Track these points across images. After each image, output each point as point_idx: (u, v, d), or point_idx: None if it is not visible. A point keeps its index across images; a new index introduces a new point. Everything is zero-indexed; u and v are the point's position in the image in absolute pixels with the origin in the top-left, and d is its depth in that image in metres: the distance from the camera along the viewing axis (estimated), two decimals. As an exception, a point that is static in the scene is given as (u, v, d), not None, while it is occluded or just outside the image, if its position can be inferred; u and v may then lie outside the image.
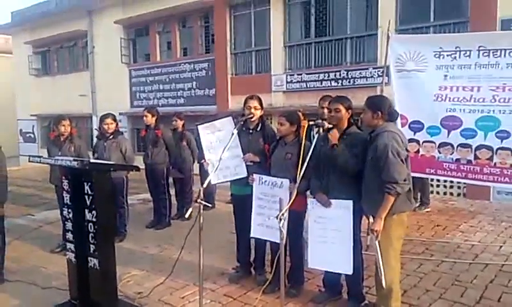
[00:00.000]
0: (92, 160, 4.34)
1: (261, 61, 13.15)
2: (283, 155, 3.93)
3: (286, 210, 3.12)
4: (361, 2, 11.32)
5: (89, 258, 3.71)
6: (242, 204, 4.26)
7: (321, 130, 3.62)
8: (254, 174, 3.90)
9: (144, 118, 6.52)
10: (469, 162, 4.53)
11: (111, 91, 17.04)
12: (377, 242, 3.32)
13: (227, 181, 4.37)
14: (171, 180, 7.05)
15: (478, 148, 4.47)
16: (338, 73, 11.44)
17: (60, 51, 20.07)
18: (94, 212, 3.63)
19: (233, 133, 3.82)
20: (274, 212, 3.69)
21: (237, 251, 4.57)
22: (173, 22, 15.26)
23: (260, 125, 4.25)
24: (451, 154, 4.65)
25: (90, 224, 3.68)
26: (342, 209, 3.45)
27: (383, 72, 10.56)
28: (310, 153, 3.41)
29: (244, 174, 4.14)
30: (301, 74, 12.09)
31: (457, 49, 4.61)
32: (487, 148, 4.42)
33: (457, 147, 4.59)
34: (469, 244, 5.51)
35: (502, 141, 4.33)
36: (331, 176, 3.61)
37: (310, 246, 3.66)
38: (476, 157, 4.48)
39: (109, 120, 5.95)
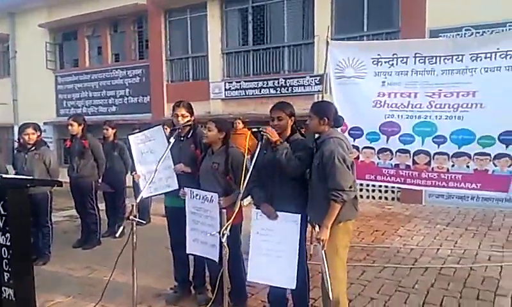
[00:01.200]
0: (5, 176, 3.83)
1: (198, 67, 12.86)
2: (209, 165, 3.71)
3: (229, 225, 2.87)
4: (298, 11, 11.41)
5: (3, 288, 3.24)
6: (176, 217, 3.97)
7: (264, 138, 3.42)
8: (185, 188, 3.65)
9: (70, 127, 5.97)
10: (408, 167, 4.57)
11: (35, 98, 15.85)
12: (323, 252, 3.17)
13: (159, 194, 4.07)
14: (100, 193, 6.54)
15: (416, 153, 4.52)
16: (276, 81, 11.45)
17: (-23, 56, 18.46)
18: (8, 234, 3.18)
19: (169, 142, 3.54)
20: (208, 227, 3.49)
21: (174, 268, 4.24)
22: (103, 26, 14.54)
23: (191, 131, 4.01)
24: (390, 160, 4.67)
25: (4, 248, 3.21)
26: (289, 223, 3.26)
27: (320, 80, 11.01)
28: (254, 161, 3.19)
29: (176, 187, 3.89)
30: (239, 82, 11.95)
31: (395, 56, 4.66)
32: (425, 153, 4.47)
33: (396, 152, 4.62)
34: (408, 248, 5.58)
35: (438, 146, 4.41)
36: (276, 184, 3.42)
37: (251, 259, 3.43)
38: (414, 162, 4.53)
39: (29, 130, 5.37)
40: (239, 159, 3.53)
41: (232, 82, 12.08)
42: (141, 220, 3.18)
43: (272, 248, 3.30)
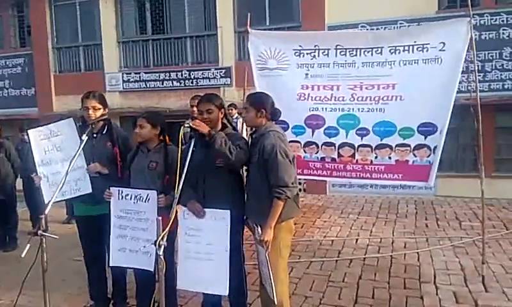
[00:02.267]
0: None
1: (91, 57, 11.80)
2: (145, 164, 3.25)
3: (166, 234, 2.47)
4: (199, 2, 11.02)
5: None
6: (90, 227, 3.46)
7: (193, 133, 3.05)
8: (111, 188, 3.12)
9: None
10: (333, 160, 4.52)
11: None
12: (267, 255, 2.94)
13: (66, 200, 3.49)
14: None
15: (341, 145, 4.48)
16: (179, 73, 10.96)
17: None
18: None
19: (82, 140, 2.99)
20: (141, 232, 3.05)
21: (89, 285, 3.68)
22: (-24, 8, 12.63)
23: (106, 126, 3.48)
24: (316, 153, 4.58)
25: None
26: (218, 221, 2.94)
27: (225, 73, 10.78)
28: (188, 159, 2.82)
29: (89, 191, 3.35)
30: (139, 73, 11.22)
31: (316, 48, 4.56)
32: (349, 146, 4.46)
33: (321, 146, 4.54)
34: (329, 239, 5.63)
35: (362, 138, 4.42)
36: (208, 182, 3.09)
37: (180, 263, 3.06)
38: (339, 155, 4.50)
39: None
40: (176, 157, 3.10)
41: (130, 73, 11.30)
42: (53, 235, 2.62)
43: (201, 250, 2.96)
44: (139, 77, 11.21)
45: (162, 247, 2.41)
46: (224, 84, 10.52)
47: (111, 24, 11.35)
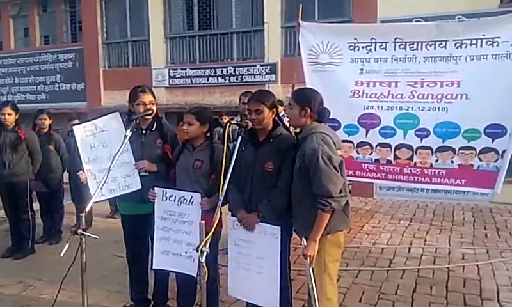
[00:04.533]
0: None
1: (139, 52, 11.91)
2: (190, 163, 3.07)
3: (209, 239, 2.28)
4: (246, -3, 10.87)
5: None
6: (135, 227, 3.33)
7: (243, 131, 2.85)
8: (155, 188, 2.97)
9: (3, 117, 4.93)
10: (389, 162, 4.20)
11: (-48, 84, 14.05)
12: (310, 270, 2.69)
13: (115, 198, 3.38)
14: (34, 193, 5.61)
15: (397, 147, 4.15)
16: (225, 70, 10.85)
17: None
18: None
19: (125, 135, 2.85)
20: (184, 235, 2.89)
21: (130, 285, 3.57)
22: (30, 5, 13.13)
23: (155, 123, 3.33)
24: (370, 154, 4.27)
25: None
26: (268, 236, 2.74)
27: (271, 69, 10.57)
28: (234, 159, 2.61)
29: (138, 187, 3.20)
30: (185, 69, 11.20)
31: (373, 41, 4.25)
32: (407, 147, 4.12)
33: (376, 147, 4.23)
34: (378, 247, 5.29)
35: (421, 140, 4.07)
36: (254, 187, 2.87)
37: (231, 272, 2.90)
38: (396, 157, 4.17)
39: None
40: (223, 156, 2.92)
41: (176, 69, 11.30)
42: (93, 235, 2.49)
43: (251, 262, 2.79)
44: (185, 72, 11.21)
45: (205, 253, 2.22)
46: (270, 80, 10.30)
47: (159, 20, 11.40)
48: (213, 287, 3.05)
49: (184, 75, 11.23)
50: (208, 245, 2.27)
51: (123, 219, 3.48)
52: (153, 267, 3.08)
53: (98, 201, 3.49)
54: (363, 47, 4.30)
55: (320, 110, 2.79)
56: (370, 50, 4.29)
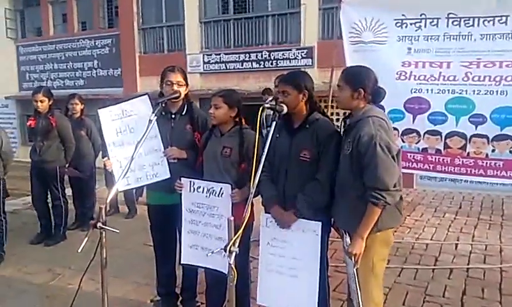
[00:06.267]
0: None
1: (174, 38, 11.81)
2: (218, 151, 2.82)
3: (238, 237, 2.03)
4: (282, -23, 10.50)
5: None
6: (162, 218, 3.13)
7: (277, 116, 2.57)
8: (182, 179, 2.75)
9: (38, 103, 4.85)
10: (438, 151, 3.84)
11: (-5, 70, 14.46)
12: (355, 270, 2.41)
13: (142, 187, 3.19)
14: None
15: (449, 135, 3.79)
16: (259, 54, 10.59)
17: None
18: None
19: (150, 120, 2.64)
20: (214, 229, 2.66)
21: (157, 279, 3.39)
22: (69, -10, 13.22)
23: (185, 106, 3.10)
24: (417, 143, 3.93)
25: None
26: (307, 233, 2.47)
27: (307, 53, 10.19)
28: (267, 147, 2.34)
29: (167, 176, 2.99)
30: (219, 54, 11.01)
31: (423, 17, 3.87)
32: (459, 136, 3.75)
33: (424, 134, 3.88)
34: (422, 243, 4.91)
35: (476, 127, 3.69)
36: (290, 178, 2.60)
37: (261, 276, 2.66)
38: (446, 146, 3.80)
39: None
40: (255, 144, 2.65)
41: (211, 55, 11.13)
42: (113, 229, 2.29)
43: (285, 264, 2.53)
44: (219, 58, 11.02)
45: (234, 254, 1.97)
46: (306, 65, 9.94)
47: (194, 4, 11.23)
48: (244, 289, 2.83)
49: (219, 60, 11.04)
50: (237, 244, 2.01)
51: (149, 210, 3.30)
52: (182, 262, 2.87)
53: (128, 189, 3.37)
54: (411, 24, 3.94)
55: (374, 91, 2.46)
56: (420, 27, 3.91)
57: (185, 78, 3.07)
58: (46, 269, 4.39)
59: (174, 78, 2.98)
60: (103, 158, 3.09)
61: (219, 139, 2.86)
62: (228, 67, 10.96)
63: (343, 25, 4.11)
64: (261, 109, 2.45)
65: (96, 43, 12.93)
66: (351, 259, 2.40)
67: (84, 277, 2.56)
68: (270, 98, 2.66)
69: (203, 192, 2.64)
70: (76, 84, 13.42)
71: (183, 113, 3.07)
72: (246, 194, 2.42)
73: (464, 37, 3.73)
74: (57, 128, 4.99)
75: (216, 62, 11.08)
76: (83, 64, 13.26)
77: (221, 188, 2.57)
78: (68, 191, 5.67)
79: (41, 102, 4.88)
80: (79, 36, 13.24)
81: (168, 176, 2.98)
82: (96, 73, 13.11)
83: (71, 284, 3.94)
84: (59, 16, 13.87)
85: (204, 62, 11.21)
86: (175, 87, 2.97)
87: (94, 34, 12.98)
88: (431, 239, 5.05)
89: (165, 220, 3.07)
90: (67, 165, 5.21)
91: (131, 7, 12.02)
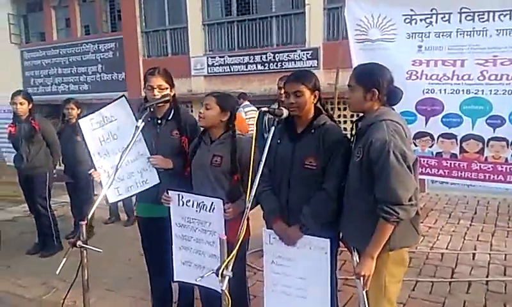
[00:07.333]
0: None
1: (178, 41, 11.65)
2: (208, 160, 2.59)
3: (232, 258, 1.79)
4: (286, -23, 10.29)
5: None
6: (152, 231, 2.90)
7: (276, 120, 2.34)
8: (170, 192, 2.51)
9: (17, 107, 4.71)
10: (453, 156, 3.58)
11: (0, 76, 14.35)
12: (364, 292, 2.16)
13: (133, 195, 2.97)
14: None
15: (464, 138, 3.53)
16: (264, 56, 10.39)
17: None
18: None
19: (137, 127, 2.42)
20: (206, 246, 2.43)
21: (151, 294, 3.17)
22: (71, -6, 13.13)
23: (172, 111, 2.87)
24: (430, 147, 3.67)
25: None
26: (314, 250, 2.23)
27: (312, 54, 9.94)
28: (264, 155, 2.11)
29: (156, 181, 2.78)
30: (223, 56, 10.82)
31: (434, 12, 3.62)
32: (476, 139, 3.49)
33: (438, 138, 3.63)
34: (437, 252, 4.63)
35: (494, 130, 3.43)
36: (294, 188, 2.36)
37: (266, 296, 2.42)
38: (462, 150, 3.55)
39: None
40: (249, 151, 2.42)
41: (215, 57, 10.94)
42: (95, 248, 2.07)
43: (292, 285, 2.29)
44: (223, 60, 10.83)
45: (227, 279, 1.73)
46: (311, 66, 9.70)
47: (196, 6, 11.07)
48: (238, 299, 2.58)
49: (223, 63, 10.85)
50: (231, 267, 1.78)
51: (138, 222, 3.08)
52: (175, 279, 2.65)
53: (118, 201, 3.18)
54: (421, 20, 3.68)
55: (390, 91, 2.20)
56: (431, 22, 3.66)
57: (169, 81, 2.84)
58: (41, 282, 4.18)
59: (154, 83, 2.77)
60: (89, 170, 2.89)
61: (209, 146, 2.62)
62: (232, 69, 10.77)
63: (348, 22, 3.88)
64: (258, 113, 2.22)
65: (100, 47, 12.81)
66: (359, 280, 2.16)
67: (77, 291, 2.37)
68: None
69: (193, 206, 2.40)
70: (81, 88, 13.32)
71: (169, 118, 2.85)
72: (241, 208, 2.19)
73: (478, 33, 3.48)
74: (41, 131, 4.81)
75: (220, 65, 10.89)
76: (87, 69, 13.15)
77: (212, 203, 2.33)
78: (66, 198, 5.50)
79: (20, 104, 4.70)
80: (82, 41, 13.14)
81: (158, 181, 2.77)
82: (101, 77, 12.99)
83: (67, 298, 3.73)
84: (62, 20, 13.80)
85: (208, 65, 11.03)
86: (155, 92, 2.75)
87: (97, 38, 12.88)
88: (447, 248, 4.76)
89: (156, 233, 2.83)
90: (53, 171, 5.03)
91: (134, 11, 11.89)
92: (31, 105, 4.78)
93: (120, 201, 3.08)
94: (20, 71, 14.57)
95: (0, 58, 14.27)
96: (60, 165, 5.50)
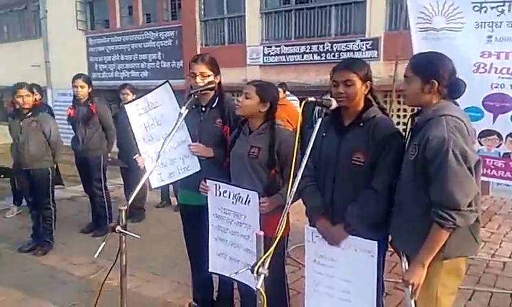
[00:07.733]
0: None
1: (235, 29, 11.63)
2: (245, 150, 2.52)
3: (268, 256, 1.70)
4: (349, -37, 9.92)
5: None
6: (194, 219, 2.88)
7: (324, 111, 2.20)
8: (208, 181, 2.46)
9: (78, 90, 4.90)
10: (523, 158, 3.28)
11: (67, 61, 15.04)
12: (413, 302, 1.98)
13: (176, 181, 2.97)
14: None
15: (536, 139, 3.22)
16: (321, 46, 10.10)
17: (9, 15, 17.88)
18: None
19: (180, 113, 2.39)
20: (241, 239, 2.35)
21: (193, 284, 3.17)
22: (135, -17, 13.49)
23: (216, 99, 2.82)
24: (498, 147, 3.38)
25: None
26: (360, 252, 2.09)
27: (372, 45, 9.56)
28: (309, 148, 1.99)
29: (197, 168, 2.77)
30: (279, 46, 10.66)
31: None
32: (550, 139, 3.18)
33: (506, 137, 3.32)
34: (499, 261, 4.30)
35: None
36: (340, 185, 2.22)
37: (307, 296, 2.33)
38: (534, 152, 3.24)
39: (23, 91, 4.38)
40: (289, 143, 2.30)
41: (271, 47, 10.80)
42: (134, 234, 2.06)
43: (335, 286, 2.16)
44: (279, 50, 10.67)
45: (262, 277, 1.64)
46: (371, 57, 9.31)
47: (255, -6, 10.97)
48: (276, 296, 2.49)
49: (279, 52, 10.70)
50: (267, 265, 1.68)
51: (180, 209, 3.09)
52: (210, 270, 2.61)
53: (158, 187, 3.20)
54: (492, 8, 3.38)
55: (451, 83, 2.01)
56: (503, 11, 3.35)
57: (213, 68, 2.78)
58: (91, 261, 4.34)
59: (197, 70, 2.73)
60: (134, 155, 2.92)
61: (247, 137, 2.55)
62: (288, 59, 10.59)
63: (410, 10, 3.62)
64: (303, 103, 2.09)
65: (160, 35, 13.08)
66: (408, 288, 1.99)
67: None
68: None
69: (229, 197, 2.33)
70: (141, 75, 13.70)
71: (213, 106, 2.81)
72: (278, 202, 2.09)
73: (559, 22, 3.13)
74: (98, 115, 4.96)
75: (276, 55, 10.75)
76: (147, 56, 13.48)
77: (248, 196, 2.23)
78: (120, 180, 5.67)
79: (81, 87, 4.88)
80: (143, 28, 13.48)
81: (199, 168, 2.76)
82: (160, 64, 13.28)
83: (111, 280, 3.81)
84: (125, 8, 14.21)
85: (264, 55, 10.92)
86: (198, 79, 2.70)
87: (158, 26, 13.15)
88: (510, 257, 4.41)
89: (196, 221, 2.81)
90: (108, 154, 5.18)
91: (193, 0, 12.01)
92: (90, 89, 4.95)
93: (162, 186, 3.09)
94: (85, 57, 15.23)
95: (69, 44, 15.04)
96: (116, 148, 5.67)
